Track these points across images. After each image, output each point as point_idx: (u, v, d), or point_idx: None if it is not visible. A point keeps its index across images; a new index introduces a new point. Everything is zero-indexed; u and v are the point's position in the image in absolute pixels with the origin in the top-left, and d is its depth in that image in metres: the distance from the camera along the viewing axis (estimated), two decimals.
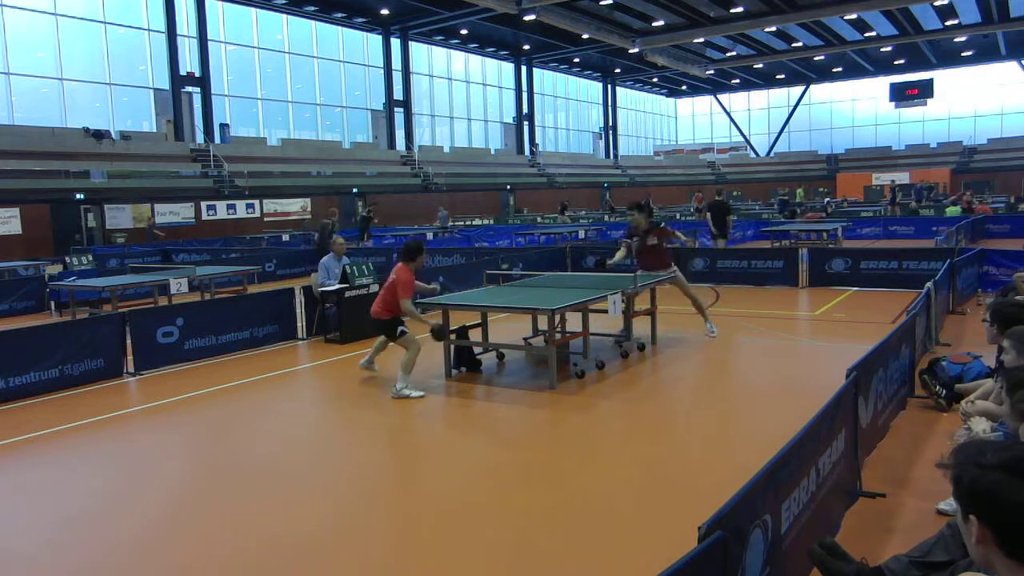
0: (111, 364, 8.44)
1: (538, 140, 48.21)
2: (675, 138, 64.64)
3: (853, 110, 56.08)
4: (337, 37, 36.78)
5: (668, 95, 62.61)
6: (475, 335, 8.36)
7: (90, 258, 17.16)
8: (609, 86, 54.63)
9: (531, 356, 8.58)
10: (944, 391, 6.09)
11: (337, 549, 4.16)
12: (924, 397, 6.24)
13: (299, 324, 10.59)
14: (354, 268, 10.28)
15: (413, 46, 39.05)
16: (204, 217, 27.41)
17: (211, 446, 6.27)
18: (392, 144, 38.34)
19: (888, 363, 5.43)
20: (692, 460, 5.40)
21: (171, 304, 10.68)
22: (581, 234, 23.77)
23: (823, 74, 52.99)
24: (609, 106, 55.31)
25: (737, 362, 8.53)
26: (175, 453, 6.05)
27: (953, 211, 25.34)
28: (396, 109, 38.48)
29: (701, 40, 39.36)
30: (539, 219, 34.22)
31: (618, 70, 50.60)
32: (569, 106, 53.58)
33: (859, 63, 48.92)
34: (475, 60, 44.40)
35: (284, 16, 34.20)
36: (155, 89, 29.62)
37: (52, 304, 13.62)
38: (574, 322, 8.43)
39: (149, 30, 29.12)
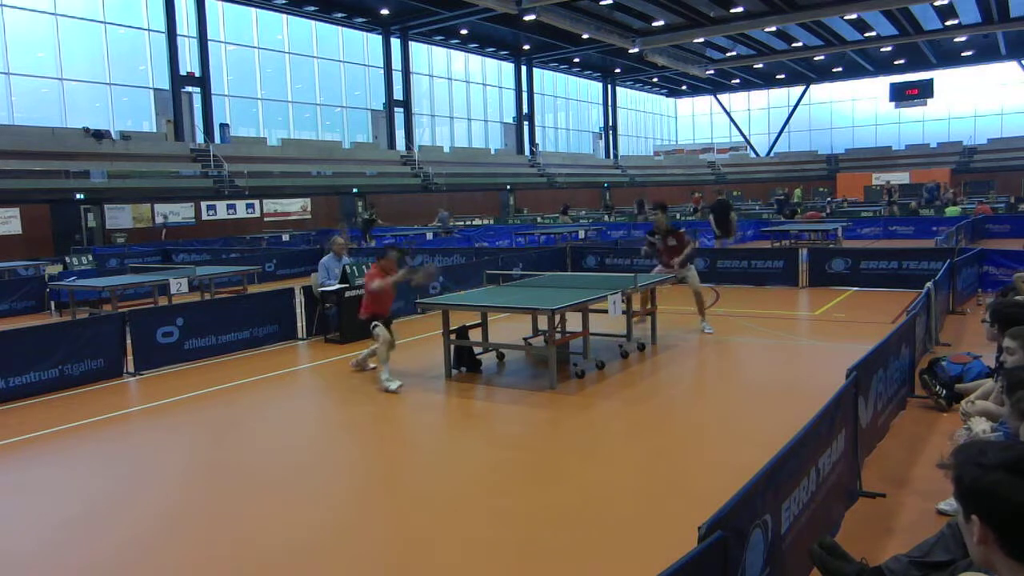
0: (111, 364, 8.44)
1: (538, 140, 48.19)
2: (675, 138, 64.62)
3: (853, 110, 56.05)
4: (337, 37, 36.76)
5: (668, 95, 62.58)
6: (475, 335, 8.36)
7: (90, 258, 17.16)
8: (609, 86, 54.61)
9: (531, 356, 8.58)
10: (944, 391, 6.09)
11: (337, 549, 4.16)
12: (924, 397, 6.24)
13: (299, 324, 10.59)
14: (354, 268, 10.28)
15: (413, 46, 39.04)
16: (204, 217, 27.39)
17: (211, 446, 6.27)
18: (392, 144, 38.32)
19: (888, 363, 5.43)
20: (692, 460, 5.40)
21: (171, 304, 10.68)
22: (581, 234, 23.77)
23: (823, 74, 52.98)
24: (609, 106, 55.29)
25: (737, 362, 8.53)
26: (175, 453, 6.05)
27: (953, 211, 25.33)
28: (396, 109, 38.47)
29: (701, 40, 39.34)
30: (539, 219, 34.24)
31: (618, 70, 50.58)
32: (569, 106, 53.56)
33: (859, 63, 48.91)
34: (475, 60, 44.40)
35: (284, 16, 34.19)
36: (155, 89, 29.61)
37: (52, 304, 13.62)
38: (574, 322, 8.44)
39: (149, 30, 29.11)
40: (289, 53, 34.86)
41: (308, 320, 10.55)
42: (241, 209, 28.76)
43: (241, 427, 6.71)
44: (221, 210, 28.10)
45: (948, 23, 38.11)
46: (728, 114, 60.96)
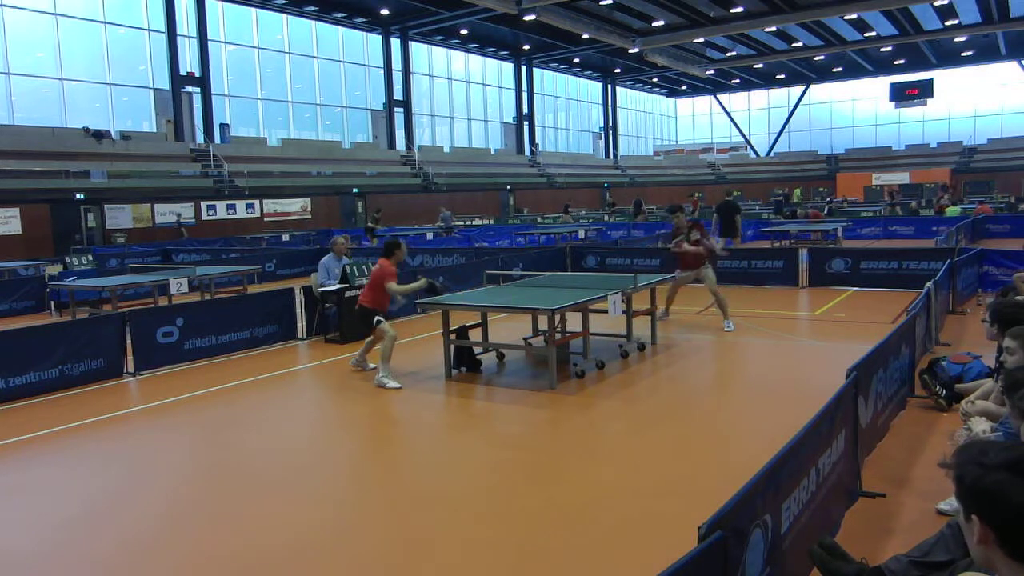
0: (111, 364, 8.44)
1: (538, 140, 48.20)
2: (675, 138, 64.62)
3: (853, 110, 56.06)
4: (337, 37, 36.77)
5: (668, 95, 62.59)
6: (475, 335, 8.36)
7: (90, 258, 17.16)
8: (609, 86, 54.62)
9: (531, 356, 8.58)
10: (944, 391, 6.09)
11: (337, 548, 4.16)
12: (924, 397, 6.24)
13: (299, 324, 10.59)
14: (354, 268, 10.28)
15: (413, 46, 39.04)
16: (204, 217, 27.40)
17: (211, 446, 6.27)
18: (392, 144, 38.33)
19: (888, 363, 5.43)
20: (692, 460, 5.40)
21: (171, 304, 10.68)
22: (581, 234, 23.77)
23: (823, 74, 52.99)
24: (609, 106, 55.30)
25: (737, 362, 8.53)
26: (175, 453, 6.05)
27: (953, 211, 25.33)
28: (396, 109, 38.47)
29: (701, 40, 39.34)
30: (539, 219, 34.25)
31: (618, 70, 50.58)
32: (569, 106, 53.56)
33: (859, 63, 48.91)
34: (475, 60, 44.40)
35: (284, 16, 34.20)
36: (155, 89, 29.61)
37: (52, 304, 13.62)
38: (574, 322, 8.44)
39: (149, 30, 29.12)
40: (289, 53, 34.86)
41: (308, 320, 10.55)
42: (241, 209, 28.77)
43: (241, 427, 6.70)
44: (221, 210, 28.11)
45: (948, 23, 38.11)
46: (728, 114, 60.96)
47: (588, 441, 5.87)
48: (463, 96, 44.37)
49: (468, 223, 31.70)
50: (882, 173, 48.26)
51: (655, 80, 55.39)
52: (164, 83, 29.27)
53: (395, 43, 37.94)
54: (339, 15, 34.85)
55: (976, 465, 1.61)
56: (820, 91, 56.60)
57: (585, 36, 36.46)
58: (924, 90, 48.22)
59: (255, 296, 10.85)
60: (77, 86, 27.62)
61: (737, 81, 55.46)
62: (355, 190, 33.20)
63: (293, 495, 4.94)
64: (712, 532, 2.43)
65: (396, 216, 32.03)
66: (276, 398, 7.65)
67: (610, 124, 55.61)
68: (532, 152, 47.01)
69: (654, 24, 35.93)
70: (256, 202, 29.34)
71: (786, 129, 58.38)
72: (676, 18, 35.15)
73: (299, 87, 35.68)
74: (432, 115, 42.48)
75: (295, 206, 30.96)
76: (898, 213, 28.10)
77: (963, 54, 46.93)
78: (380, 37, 37.51)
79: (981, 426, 3.96)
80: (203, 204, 27.49)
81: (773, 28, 36.56)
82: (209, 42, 30.48)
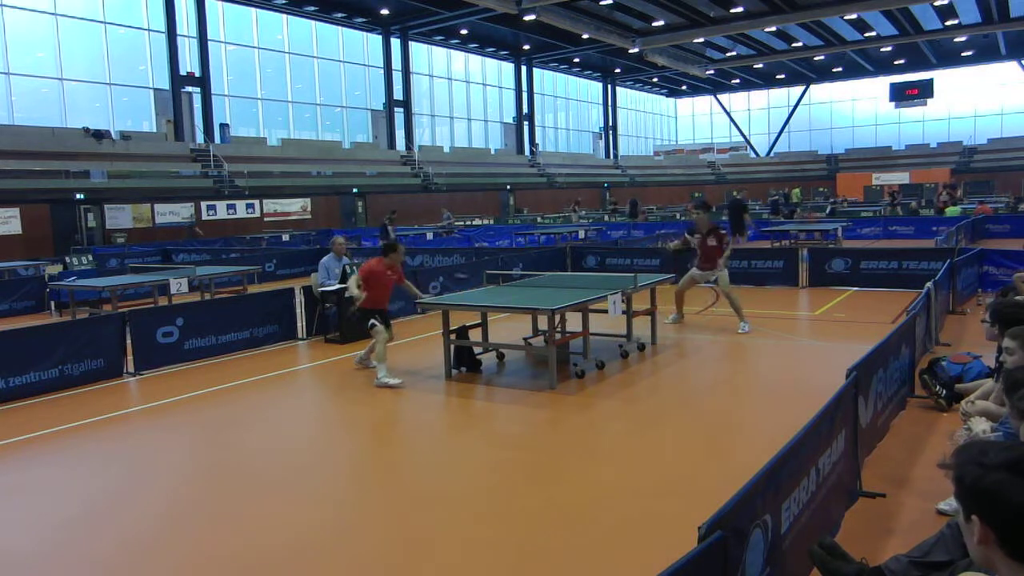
0: (111, 364, 8.44)
1: (538, 140, 48.19)
2: (675, 138, 64.61)
3: (853, 110, 56.05)
4: (337, 37, 36.76)
5: (668, 95, 62.58)
6: (475, 335, 8.36)
7: (90, 258, 17.16)
8: (609, 86, 54.61)
9: (531, 356, 8.58)
10: (944, 391, 6.09)
11: (337, 548, 4.16)
12: (924, 397, 6.24)
13: (299, 324, 10.59)
14: (354, 268, 10.27)
15: (413, 46, 39.04)
16: (204, 217, 27.39)
17: (211, 446, 6.27)
18: (392, 144, 38.33)
19: (888, 363, 5.43)
20: (692, 460, 5.40)
21: (171, 304, 10.68)
22: (581, 234, 23.78)
23: (823, 74, 52.98)
24: (609, 106, 55.29)
25: (737, 362, 8.53)
26: (175, 453, 6.05)
27: (953, 211, 25.34)
28: (396, 109, 38.46)
29: (701, 40, 39.34)
30: (539, 219, 34.25)
31: (618, 70, 50.57)
32: (569, 106, 53.55)
33: (859, 63, 48.91)
34: (475, 60, 44.39)
35: (284, 16, 34.19)
36: (155, 89, 29.60)
37: (52, 304, 13.62)
38: (574, 322, 8.44)
39: (149, 30, 29.11)
40: (289, 53, 34.85)
41: (308, 320, 10.55)
42: (241, 209, 28.76)
43: (241, 427, 6.70)
44: (221, 210, 28.10)
45: (948, 23, 38.10)
46: (728, 114, 60.96)
47: (588, 441, 5.87)
48: (463, 96, 44.36)
49: (468, 223, 31.70)
50: (882, 173, 48.25)
51: (655, 80, 55.38)
52: (164, 83, 29.26)
53: (395, 43, 37.93)
54: (339, 15, 34.85)
55: (976, 465, 1.61)
56: (820, 91, 56.60)
57: (585, 36, 36.45)
58: (924, 90, 48.21)
59: (255, 296, 10.85)
60: (77, 86, 27.62)
61: (737, 81, 55.45)
62: (355, 190, 33.19)
63: (293, 495, 4.94)
64: (712, 532, 2.42)
65: (397, 216, 32.00)
66: (276, 398, 7.65)
67: (610, 124, 55.61)
68: (532, 152, 47.00)
69: (654, 24, 35.93)
70: (256, 202, 29.34)
71: (786, 129, 58.38)
72: (676, 18, 35.15)
73: (299, 87, 35.67)
74: (432, 115, 42.47)
75: (295, 206, 30.96)
76: (898, 213, 28.10)
77: (963, 54, 46.92)
78: (380, 37, 37.51)
79: (981, 426, 3.96)
80: (203, 204, 27.49)
81: (773, 28, 36.55)
82: (209, 42, 30.47)
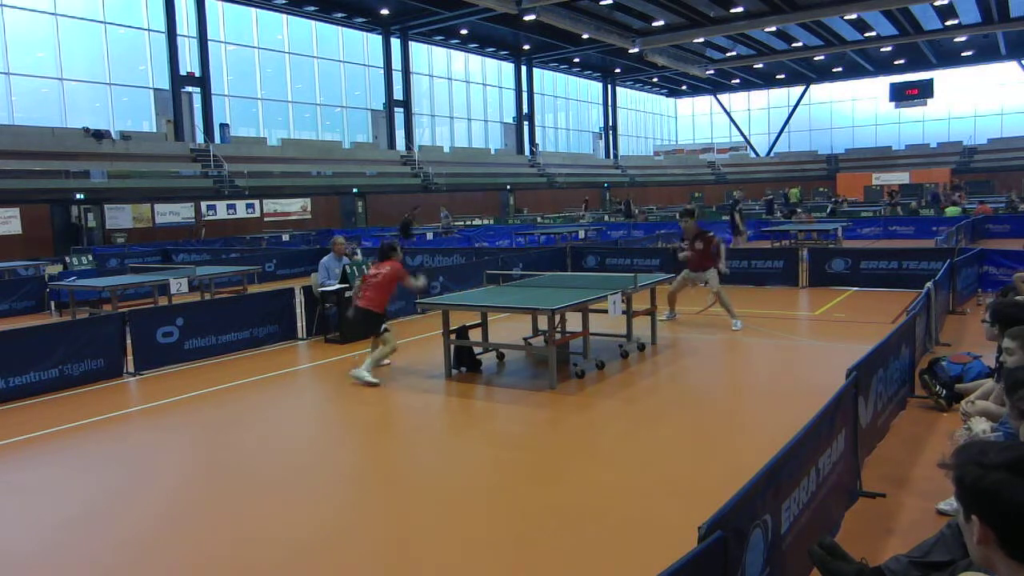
0: (111, 364, 8.44)
1: (538, 140, 48.21)
2: (675, 138, 64.63)
3: (853, 110, 56.08)
4: (337, 37, 36.77)
5: (668, 95, 62.60)
6: (475, 335, 8.36)
7: (90, 258, 17.16)
8: (609, 86, 54.62)
9: (531, 356, 8.58)
10: (944, 391, 6.09)
11: (337, 548, 4.15)
12: (924, 397, 6.23)
13: (299, 324, 10.58)
14: (354, 268, 10.28)
15: (413, 46, 39.05)
16: (204, 217, 27.41)
17: (211, 446, 6.27)
18: (392, 144, 38.33)
19: (888, 363, 5.43)
20: (692, 460, 5.40)
21: (171, 304, 10.67)
22: (581, 234, 23.78)
23: (823, 74, 53.00)
24: (609, 106, 55.31)
25: (737, 362, 8.53)
26: (175, 453, 6.05)
27: (953, 211, 25.34)
28: (396, 109, 38.47)
29: (701, 40, 39.35)
30: (539, 219, 34.26)
31: (618, 70, 50.59)
32: (569, 106, 53.57)
33: (859, 63, 48.92)
34: (475, 60, 44.40)
35: (284, 16, 34.20)
36: (155, 89, 29.62)
37: (52, 304, 13.62)
38: (574, 322, 8.43)
39: (149, 30, 29.12)
40: (289, 53, 34.86)
41: (308, 320, 10.54)
42: (241, 209, 28.77)
43: (241, 427, 6.70)
44: (221, 210, 28.11)
45: (948, 23, 38.12)
46: (728, 114, 60.97)
47: (588, 441, 5.86)
48: (463, 96, 44.37)
49: (468, 223, 31.70)
50: (882, 173, 48.28)
51: (655, 80, 55.40)
52: (164, 83, 29.27)
53: (395, 43, 37.94)
54: (339, 15, 34.86)
55: (976, 465, 1.61)
56: (820, 91, 56.62)
57: (585, 36, 36.47)
58: (924, 90, 48.23)
59: (255, 296, 10.84)
60: (77, 86, 27.62)
61: (737, 81, 55.46)
62: (355, 190, 33.20)
63: (292, 495, 4.94)
64: (712, 532, 2.42)
65: (396, 217, 32.01)
66: (276, 398, 7.65)
67: (610, 124, 55.62)
68: (532, 152, 47.01)
69: (654, 24, 35.94)
70: (256, 202, 29.34)
71: (786, 129, 58.40)
72: (676, 18, 35.16)
73: (299, 87, 35.68)
74: (432, 115, 42.48)
75: (295, 206, 30.96)
76: (898, 213, 28.10)
77: (963, 54, 46.94)
78: (380, 37, 37.52)
79: (981, 426, 3.96)
80: (203, 204, 27.49)
81: (773, 28, 36.57)
82: (209, 42, 30.48)
